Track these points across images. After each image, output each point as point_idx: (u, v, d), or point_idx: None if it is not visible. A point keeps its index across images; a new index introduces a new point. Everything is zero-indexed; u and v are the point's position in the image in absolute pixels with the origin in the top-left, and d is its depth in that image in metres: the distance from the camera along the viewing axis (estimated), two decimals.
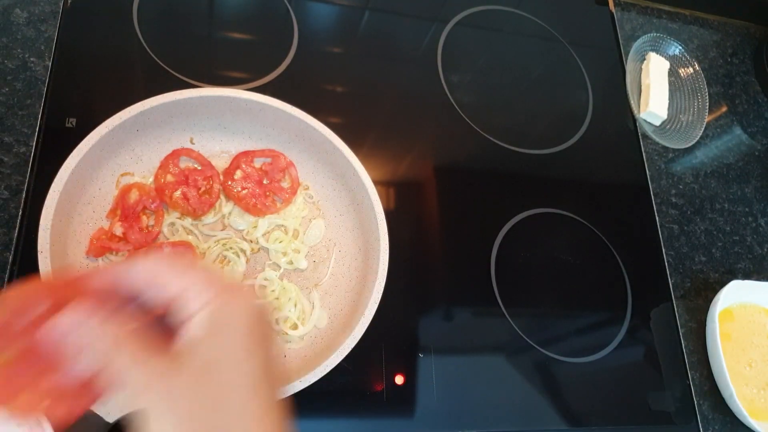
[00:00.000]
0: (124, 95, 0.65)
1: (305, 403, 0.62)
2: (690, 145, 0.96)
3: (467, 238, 0.79)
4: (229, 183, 0.68)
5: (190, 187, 0.67)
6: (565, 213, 0.85)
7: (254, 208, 0.68)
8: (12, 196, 0.63)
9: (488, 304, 0.75)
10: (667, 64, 1.00)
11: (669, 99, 0.98)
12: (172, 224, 0.66)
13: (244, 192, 0.68)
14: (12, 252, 0.61)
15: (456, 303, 0.75)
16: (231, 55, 0.80)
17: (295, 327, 0.65)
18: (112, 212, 0.64)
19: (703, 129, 0.97)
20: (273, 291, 0.66)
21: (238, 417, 0.33)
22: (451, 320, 0.74)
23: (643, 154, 0.94)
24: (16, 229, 0.62)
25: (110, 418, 0.52)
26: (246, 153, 0.70)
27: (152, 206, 0.65)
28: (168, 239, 0.65)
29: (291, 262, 0.68)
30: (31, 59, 0.70)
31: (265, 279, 0.66)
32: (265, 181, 0.70)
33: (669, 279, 0.86)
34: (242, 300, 0.35)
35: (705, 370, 0.81)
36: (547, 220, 0.84)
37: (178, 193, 0.66)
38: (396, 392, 0.67)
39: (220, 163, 0.70)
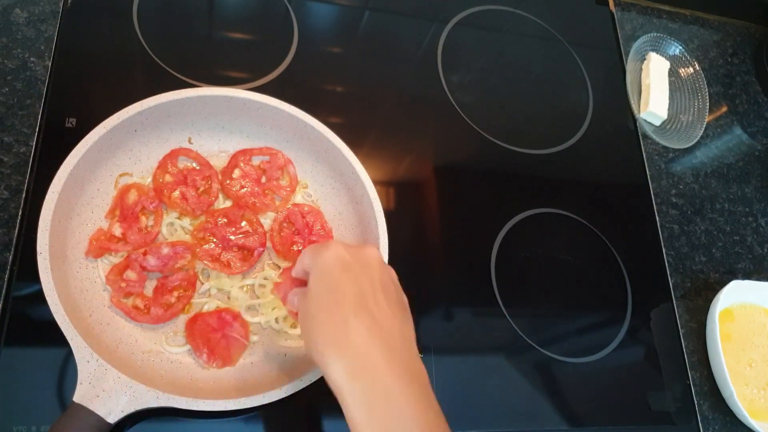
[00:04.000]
0: (124, 95, 0.65)
1: (305, 402, 0.62)
2: (690, 145, 0.96)
3: (467, 238, 0.79)
4: (228, 182, 0.68)
5: (189, 186, 0.67)
6: (565, 213, 0.85)
7: (253, 206, 0.68)
8: (12, 196, 0.63)
9: (488, 304, 0.75)
10: (667, 64, 1.00)
11: (669, 99, 0.98)
12: (171, 224, 0.66)
13: (243, 191, 0.68)
14: (12, 252, 0.61)
15: (456, 303, 0.74)
16: (231, 55, 0.80)
17: (295, 326, 0.65)
18: (111, 212, 0.64)
19: (703, 129, 0.97)
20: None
21: None
22: (451, 320, 0.74)
23: (643, 154, 0.94)
24: (16, 229, 0.62)
25: (111, 419, 0.53)
26: (244, 151, 0.70)
27: (151, 206, 0.65)
28: (167, 239, 0.65)
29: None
30: (31, 59, 0.70)
31: (265, 278, 0.66)
32: (263, 180, 0.70)
33: (669, 279, 0.86)
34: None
35: (705, 370, 0.81)
36: (547, 220, 0.84)
37: (176, 193, 0.66)
38: None
39: (219, 163, 0.70)
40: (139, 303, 0.61)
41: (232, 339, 0.61)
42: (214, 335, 0.61)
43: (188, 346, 0.61)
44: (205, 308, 0.64)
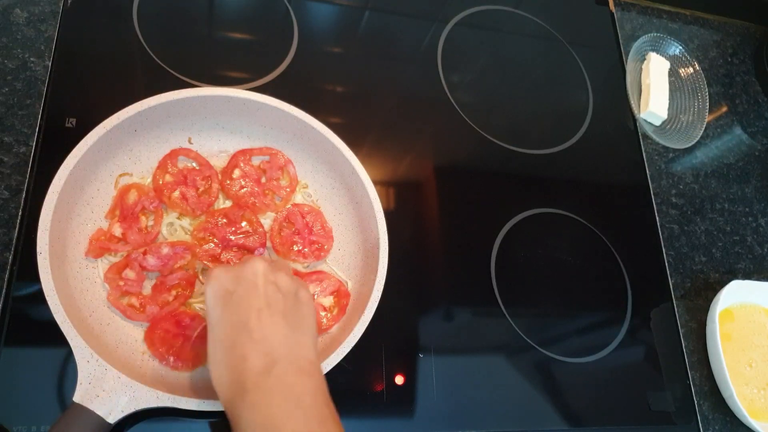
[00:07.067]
0: (124, 95, 0.65)
1: None
2: (690, 145, 0.96)
3: (467, 239, 0.79)
4: (228, 182, 0.68)
5: (189, 187, 0.67)
6: (565, 213, 0.85)
7: (253, 206, 0.68)
8: (12, 196, 0.63)
9: (488, 304, 0.75)
10: (667, 64, 1.00)
11: (669, 99, 0.98)
12: (171, 224, 0.66)
13: (243, 191, 0.68)
14: (12, 252, 0.61)
15: (456, 303, 0.74)
16: (231, 55, 0.80)
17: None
18: (111, 212, 0.64)
19: (703, 129, 0.97)
20: None
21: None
22: (451, 320, 0.74)
23: (643, 154, 0.94)
24: (16, 229, 0.62)
25: (111, 419, 0.53)
26: (243, 151, 0.70)
27: (151, 206, 0.65)
28: (167, 239, 0.65)
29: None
30: (31, 59, 0.70)
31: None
32: (263, 180, 0.70)
33: (669, 279, 0.86)
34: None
35: (705, 370, 0.81)
36: (547, 220, 0.84)
37: (176, 193, 0.66)
38: (396, 392, 0.67)
39: (219, 163, 0.70)
40: (135, 302, 0.61)
41: (196, 339, 0.61)
42: (176, 340, 0.60)
43: None
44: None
